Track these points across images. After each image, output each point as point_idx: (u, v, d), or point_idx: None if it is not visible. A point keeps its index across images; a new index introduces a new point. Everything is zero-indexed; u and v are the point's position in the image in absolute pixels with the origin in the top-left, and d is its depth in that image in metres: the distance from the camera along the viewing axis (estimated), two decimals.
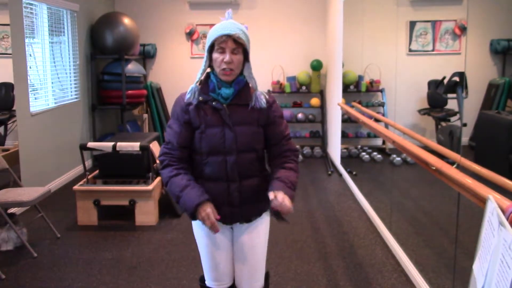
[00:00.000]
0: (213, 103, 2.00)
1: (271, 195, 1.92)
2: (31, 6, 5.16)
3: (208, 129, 1.99)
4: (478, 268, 1.76)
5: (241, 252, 2.16)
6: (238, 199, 2.04)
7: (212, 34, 1.94)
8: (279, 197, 1.90)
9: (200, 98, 2.01)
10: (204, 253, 2.19)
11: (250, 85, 2.05)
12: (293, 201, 1.97)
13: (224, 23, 1.94)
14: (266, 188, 2.04)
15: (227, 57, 1.91)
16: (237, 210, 2.06)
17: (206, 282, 2.23)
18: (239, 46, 1.93)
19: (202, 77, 2.05)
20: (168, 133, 2.09)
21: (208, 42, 1.97)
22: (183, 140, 2.04)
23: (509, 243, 1.46)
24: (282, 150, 2.12)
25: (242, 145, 2.00)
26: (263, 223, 2.19)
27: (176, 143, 2.04)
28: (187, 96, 2.03)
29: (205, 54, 1.99)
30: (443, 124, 6.58)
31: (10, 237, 3.81)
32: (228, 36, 1.90)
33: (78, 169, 6.06)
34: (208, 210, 1.93)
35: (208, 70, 2.05)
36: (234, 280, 2.22)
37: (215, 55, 1.95)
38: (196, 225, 2.18)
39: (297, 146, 2.10)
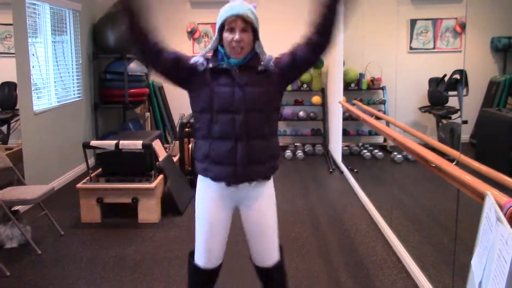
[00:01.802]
0: (223, 64, 2.06)
1: None
2: (34, 6, 5.20)
3: (218, 88, 2.05)
4: (476, 263, 1.79)
5: (252, 230, 2.23)
6: (245, 158, 2.07)
7: (222, 15, 2.03)
8: None
9: (210, 65, 2.09)
10: (200, 236, 2.25)
11: (261, 59, 2.12)
12: None
13: (233, 4, 2.02)
14: (273, 152, 2.14)
15: (237, 35, 1.99)
16: (243, 169, 2.08)
17: (195, 260, 2.30)
18: (248, 25, 2.01)
19: (209, 54, 2.13)
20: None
21: (218, 23, 2.05)
22: (181, 56, 2.13)
23: (506, 238, 1.49)
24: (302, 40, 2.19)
25: (250, 104, 2.05)
26: (268, 195, 2.24)
27: (175, 53, 2.14)
28: (195, 59, 2.11)
29: (216, 34, 2.07)
30: (444, 121, 6.60)
31: (14, 234, 3.85)
32: (237, 16, 1.98)
33: (81, 167, 6.11)
34: None
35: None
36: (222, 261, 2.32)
37: (225, 35, 2.02)
38: (198, 203, 2.24)
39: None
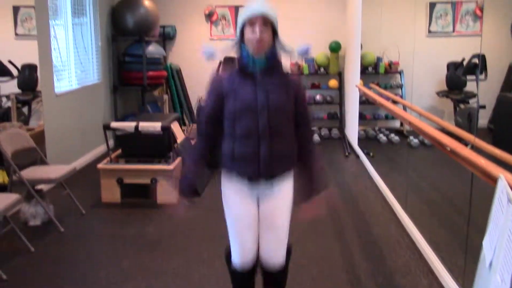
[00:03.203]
0: (248, 69, 2.17)
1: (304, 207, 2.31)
2: None
3: (241, 90, 2.15)
4: (488, 243, 1.83)
5: (264, 225, 2.30)
6: (268, 156, 2.16)
7: (243, 13, 2.12)
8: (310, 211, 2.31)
9: (236, 66, 2.20)
10: (232, 230, 2.33)
11: (283, 56, 2.22)
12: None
13: (253, 4, 2.11)
14: (293, 151, 2.27)
15: (257, 34, 2.07)
16: (265, 167, 2.18)
17: (232, 259, 2.36)
18: (268, 24, 2.10)
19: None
20: (202, 110, 2.33)
21: (239, 22, 2.15)
22: (213, 110, 2.23)
23: None
24: (305, 136, 2.32)
25: (273, 105, 2.14)
26: (287, 194, 2.32)
27: (208, 116, 2.26)
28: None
29: (237, 32, 2.17)
30: (462, 106, 6.56)
31: (38, 212, 3.97)
32: (258, 14, 2.07)
33: (101, 148, 6.23)
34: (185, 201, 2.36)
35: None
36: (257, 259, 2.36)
37: (247, 33, 2.11)
38: (226, 201, 2.33)
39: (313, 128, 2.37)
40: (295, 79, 2.29)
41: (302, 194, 2.31)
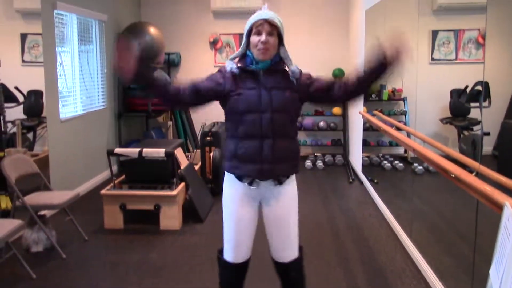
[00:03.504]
0: (252, 67, 2.21)
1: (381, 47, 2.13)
2: (62, 16, 5.36)
3: (245, 91, 2.19)
4: (494, 272, 1.81)
5: (272, 225, 2.33)
6: (271, 156, 2.19)
7: (251, 19, 2.20)
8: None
9: (239, 64, 2.24)
10: (228, 232, 2.35)
11: (285, 64, 2.27)
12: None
13: (261, 11, 2.20)
14: (295, 151, 2.29)
15: (263, 37, 2.15)
16: (268, 167, 2.20)
17: (224, 256, 2.40)
18: (274, 30, 2.17)
19: (238, 57, 2.29)
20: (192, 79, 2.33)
21: (246, 27, 2.21)
22: (203, 86, 2.26)
23: None
24: (343, 82, 2.27)
25: (276, 105, 2.18)
26: (291, 192, 2.34)
27: (195, 84, 2.27)
28: (227, 66, 2.27)
29: (244, 38, 2.24)
30: (466, 133, 6.55)
31: (40, 238, 3.95)
32: (264, 20, 2.15)
33: (105, 174, 6.23)
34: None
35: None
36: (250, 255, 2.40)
37: (253, 38, 2.19)
38: (226, 201, 2.35)
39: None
40: (306, 76, 2.32)
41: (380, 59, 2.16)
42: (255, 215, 2.34)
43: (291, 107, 2.24)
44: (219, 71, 2.30)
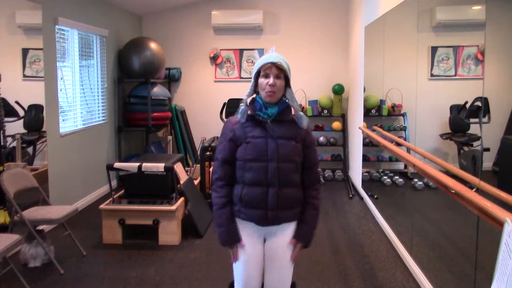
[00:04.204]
0: (260, 117, 2.28)
1: (292, 241, 2.34)
2: (63, 31, 5.38)
3: (253, 140, 2.26)
4: None
5: (270, 261, 2.37)
6: (275, 203, 2.25)
7: (259, 62, 2.27)
8: (293, 253, 2.35)
9: (249, 112, 2.30)
10: (238, 269, 2.38)
11: (292, 107, 2.34)
12: (313, 237, 2.42)
13: (269, 54, 2.28)
14: (300, 198, 2.34)
15: (271, 80, 2.23)
16: (272, 213, 2.27)
17: None
18: (281, 73, 2.24)
19: (249, 100, 2.35)
20: (217, 150, 2.40)
21: (255, 69, 2.29)
22: (228, 154, 2.32)
23: None
24: (313, 179, 2.39)
25: (282, 154, 2.25)
26: (292, 232, 2.38)
27: (224, 159, 2.33)
28: (239, 116, 2.33)
29: (252, 80, 2.31)
30: (466, 148, 6.55)
31: (38, 253, 3.92)
32: (272, 64, 2.23)
33: (104, 189, 6.21)
34: (235, 249, 2.33)
35: (253, 96, 2.35)
36: None
37: (261, 80, 2.26)
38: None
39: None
40: (304, 126, 2.37)
41: (294, 235, 2.37)
42: (262, 251, 2.39)
43: (296, 156, 2.30)
44: (226, 124, 2.38)
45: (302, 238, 2.36)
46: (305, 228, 2.36)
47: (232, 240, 2.32)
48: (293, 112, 2.35)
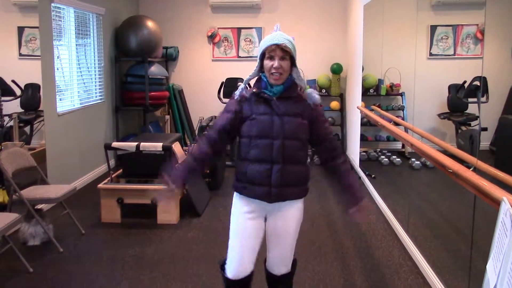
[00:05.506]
0: (265, 94, 2.25)
1: (353, 209, 2.33)
2: (59, 10, 5.32)
3: (258, 116, 2.24)
4: (491, 267, 1.81)
5: (272, 238, 2.38)
6: (279, 180, 2.24)
7: (263, 44, 2.23)
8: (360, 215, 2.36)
9: (254, 89, 2.28)
10: (233, 247, 2.36)
11: (298, 85, 2.31)
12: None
13: (274, 34, 2.23)
14: (305, 176, 2.34)
15: (276, 63, 2.19)
16: (276, 190, 2.26)
17: (227, 270, 2.38)
18: (286, 54, 2.20)
19: (254, 79, 2.34)
20: (214, 122, 2.40)
21: (259, 51, 2.25)
22: (226, 122, 2.30)
23: None
24: (330, 149, 2.36)
25: (288, 132, 2.23)
26: (297, 211, 2.38)
27: (218, 126, 2.32)
28: (236, 94, 2.31)
29: (257, 61, 2.27)
30: (463, 128, 6.55)
31: (37, 232, 3.94)
32: (277, 46, 2.18)
33: (102, 168, 6.22)
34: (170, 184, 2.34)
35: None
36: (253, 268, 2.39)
37: (266, 62, 2.22)
38: (234, 216, 2.38)
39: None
40: (317, 101, 2.35)
41: (349, 204, 2.36)
42: (261, 229, 2.37)
43: (302, 134, 2.28)
44: (232, 99, 2.35)
45: (356, 200, 2.34)
46: (352, 190, 2.36)
47: (173, 181, 2.34)
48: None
